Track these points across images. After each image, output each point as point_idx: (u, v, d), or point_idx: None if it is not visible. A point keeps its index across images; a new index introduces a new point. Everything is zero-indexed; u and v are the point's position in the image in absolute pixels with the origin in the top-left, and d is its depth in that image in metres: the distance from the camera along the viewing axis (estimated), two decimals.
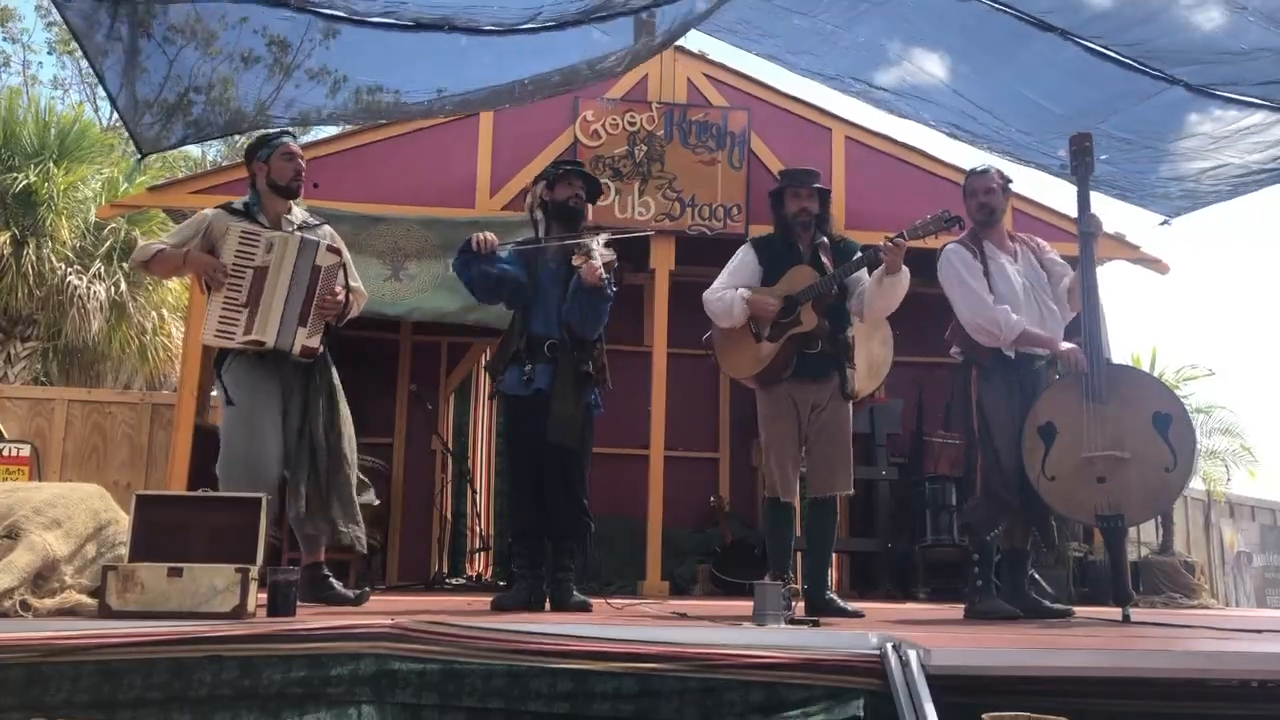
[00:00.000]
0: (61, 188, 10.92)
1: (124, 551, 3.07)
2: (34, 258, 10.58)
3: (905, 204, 7.53)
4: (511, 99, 7.19)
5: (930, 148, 8.11)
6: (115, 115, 8.14)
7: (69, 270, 10.90)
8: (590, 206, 4.63)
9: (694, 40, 8.20)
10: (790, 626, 3.15)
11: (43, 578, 2.93)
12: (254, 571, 2.99)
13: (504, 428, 4.79)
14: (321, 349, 4.19)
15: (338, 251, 4.24)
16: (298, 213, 4.44)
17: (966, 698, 2.72)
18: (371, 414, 8.63)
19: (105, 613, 2.85)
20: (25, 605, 2.84)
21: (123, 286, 11.26)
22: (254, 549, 3.11)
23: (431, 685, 2.70)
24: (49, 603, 2.89)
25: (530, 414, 4.39)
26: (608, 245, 4.50)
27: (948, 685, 2.74)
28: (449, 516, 8.57)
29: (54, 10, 7.28)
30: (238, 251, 4.12)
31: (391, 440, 8.61)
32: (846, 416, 4.59)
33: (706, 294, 4.70)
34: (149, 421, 8.41)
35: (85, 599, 2.93)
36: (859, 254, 4.54)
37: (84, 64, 7.42)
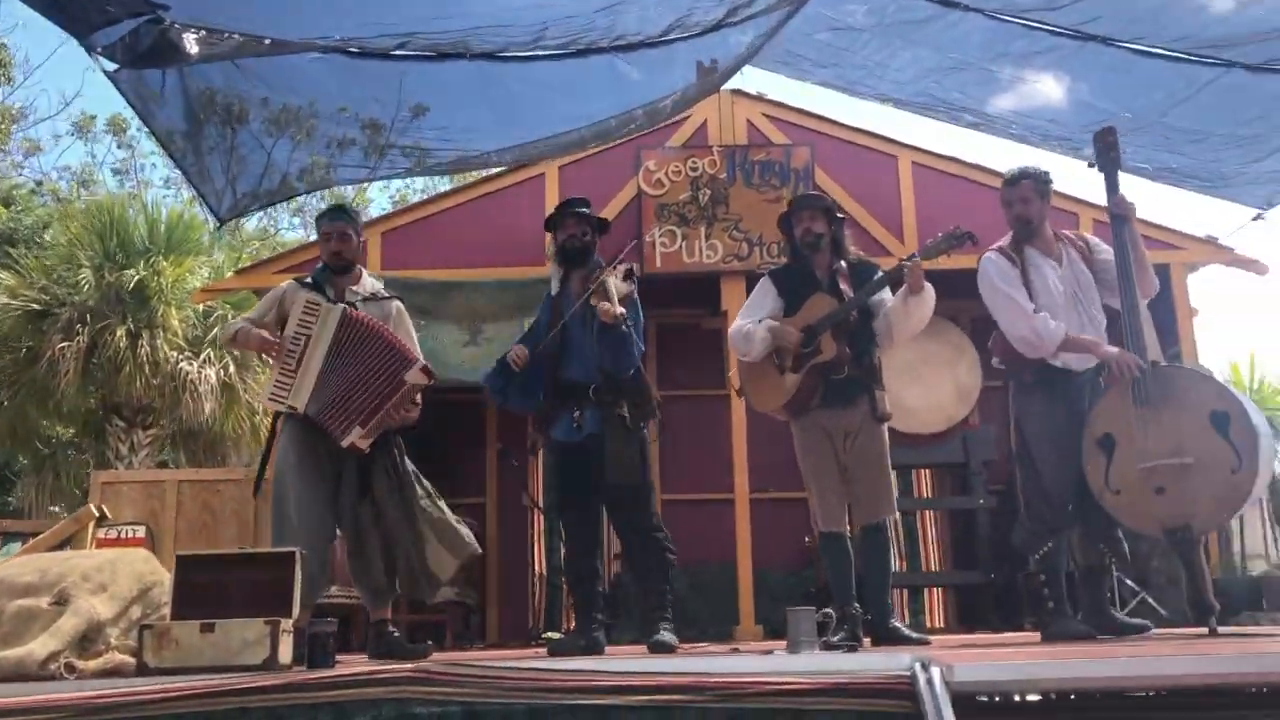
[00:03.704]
0: (170, 281, 11.49)
1: (168, 611, 3.17)
2: (148, 348, 11.12)
3: (977, 223, 7.30)
4: (568, 147, 7.36)
5: (998, 163, 7.94)
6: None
7: (180, 358, 11.43)
8: (595, 238, 4.64)
9: (752, 81, 8.26)
10: (824, 653, 3.06)
11: (89, 640, 3.04)
12: (285, 624, 3.04)
13: (554, 477, 4.76)
14: (368, 450, 4.22)
15: (429, 374, 4.28)
16: (368, 283, 4.54)
17: (1002, 718, 2.61)
18: (462, 475, 8.79)
19: (143, 670, 2.94)
20: (70, 667, 2.95)
21: (231, 369, 11.73)
22: (289, 603, 3.17)
23: None
24: (93, 664, 3.00)
25: (583, 459, 4.40)
26: (625, 277, 4.51)
27: (978, 707, 2.63)
28: (544, 572, 8.60)
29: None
30: (299, 321, 4.28)
31: (483, 500, 8.72)
32: (882, 440, 4.47)
33: (730, 329, 4.67)
34: (253, 496, 8.72)
35: (128, 659, 3.03)
36: (878, 275, 4.45)
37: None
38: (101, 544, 8.14)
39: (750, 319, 4.58)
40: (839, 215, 4.61)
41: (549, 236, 4.80)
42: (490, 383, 4.58)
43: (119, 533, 8.39)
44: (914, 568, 8.96)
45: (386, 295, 4.56)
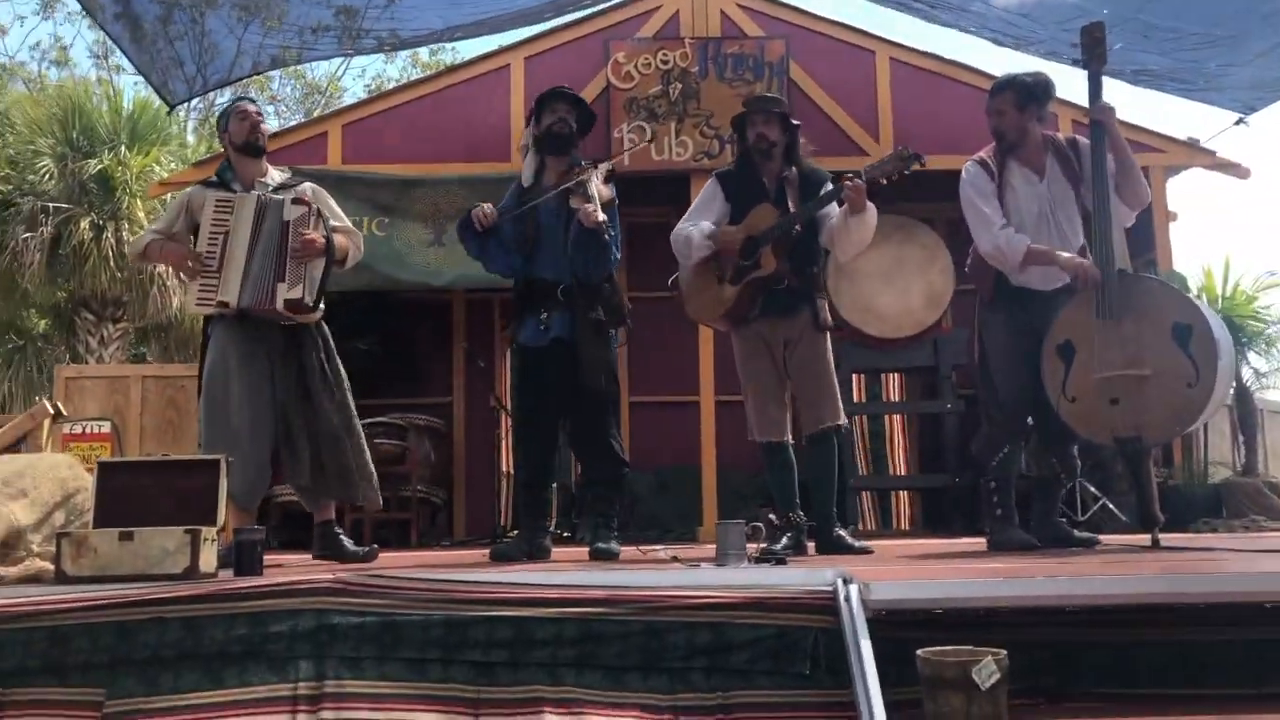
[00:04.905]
0: (135, 171, 11.24)
1: (91, 518, 3.12)
2: (113, 241, 10.94)
3: (954, 121, 7.21)
4: (524, 19, 7.16)
5: (977, 61, 7.73)
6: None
7: None
8: (580, 134, 4.44)
9: None
10: (750, 566, 3.03)
11: (9, 546, 2.99)
12: (208, 532, 3.00)
13: (518, 380, 4.60)
14: (309, 300, 4.14)
15: (305, 202, 4.20)
16: (274, 174, 4.43)
17: (921, 632, 2.58)
18: (429, 375, 8.73)
19: (61, 579, 2.89)
20: None
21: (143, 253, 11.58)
22: (214, 510, 3.12)
23: (370, 638, 2.67)
24: (13, 571, 2.95)
25: (549, 363, 4.28)
26: (607, 179, 4.35)
27: (903, 620, 2.60)
28: (511, 471, 8.61)
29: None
30: (213, 220, 4.17)
31: (450, 399, 8.67)
32: (823, 348, 4.39)
33: (673, 232, 4.54)
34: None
35: (49, 566, 2.99)
36: (826, 185, 4.32)
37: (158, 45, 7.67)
38: (68, 440, 8.14)
39: (694, 221, 4.47)
40: (794, 122, 4.45)
41: (527, 129, 4.56)
42: (466, 239, 4.42)
43: (84, 428, 8.36)
44: (881, 471, 9.01)
45: (295, 181, 4.46)
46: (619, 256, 4.41)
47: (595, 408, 4.32)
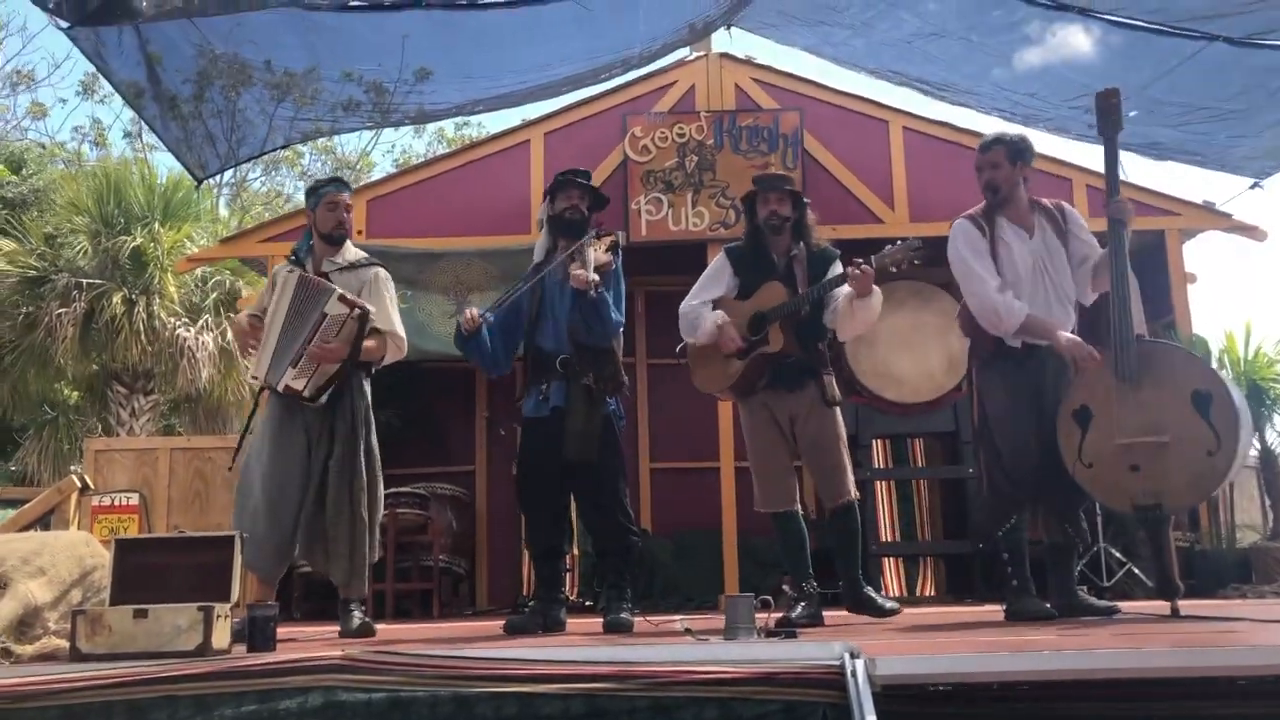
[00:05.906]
0: (167, 246, 11.47)
1: (108, 595, 3.17)
2: (144, 315, 11.14)
3: (968, 190, 7.22)
4: (540, 95, 7.34)
5: (988, 127, 7.79)
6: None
7: (178, 324, 11.44)
8: (591, 214, 4.50)
9: (741, 45, 8.16)
10: (758, 640, 3.03)
11: (26, 624, 3.04)
12: (221, 609, 3.03)
13: (520, 452, 4.54)
14: (308, 394, 4.22)
15: (350, 304, 4.23)
16: (350, 253, 4.50)
17: (935, 707, 2.57)
18: (452, 443, 8.80)
19: (75, 656, 2.93)
20: (7, 652, 2.95)
21: (229, 335, 11.74)
22: (228, 586, 3.16)
23: (378, 715, 2.68)
24: (30, 649, 3.00)
25: (548, 434, 4.31)
26: (609, 249, 4.42)
27: (915, 694, 2.59)
28: None
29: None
30: (275, 298, 4.31)
31: (473, 468, 8.71)
32: (832, 423, 4.42)
33: (681, 306, 4.60)
34: (229, 468, 8.75)
35: (64, 644, 3.03)
36: (834, 263, 4.40)
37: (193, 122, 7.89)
38: (97, 512, 8.23)
39: (703, 297, 4.53)
40: (804, 199, 4.53)
41: (544, 204, 4.66)
42: (458, 344, 4.47)
43: (112, 500, 8.45)
44: (908, 536, 8.95)
45: (367, 263, 4.51)
46: (621, 319, 4.42)
47: (593, 478, 4.34)
